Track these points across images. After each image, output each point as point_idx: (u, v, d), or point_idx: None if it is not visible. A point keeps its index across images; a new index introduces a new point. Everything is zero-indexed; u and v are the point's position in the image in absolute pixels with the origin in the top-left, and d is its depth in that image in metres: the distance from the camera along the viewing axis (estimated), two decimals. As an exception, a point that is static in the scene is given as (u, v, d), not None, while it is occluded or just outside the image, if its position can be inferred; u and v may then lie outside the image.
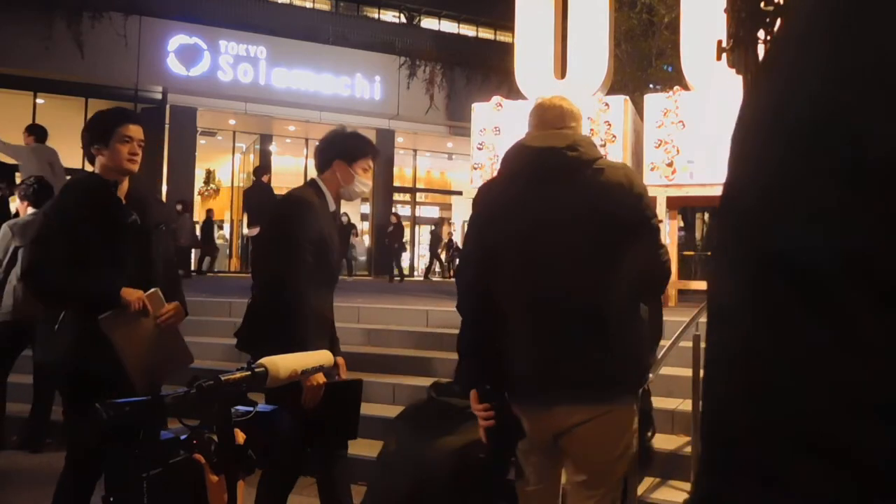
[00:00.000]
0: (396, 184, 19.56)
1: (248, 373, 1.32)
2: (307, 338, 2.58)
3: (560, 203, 2.00)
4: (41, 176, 5.51)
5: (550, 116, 2.14)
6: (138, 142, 2.72)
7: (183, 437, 1.23)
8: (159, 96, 16.01)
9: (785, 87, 0.47)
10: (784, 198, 0.46)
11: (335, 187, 2.87)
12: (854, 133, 0.42)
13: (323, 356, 1.61)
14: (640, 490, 3.34)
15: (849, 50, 0.43)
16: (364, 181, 2.89)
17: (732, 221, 0.49)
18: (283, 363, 1.41)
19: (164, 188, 15.63)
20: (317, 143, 3.02)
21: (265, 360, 1.39)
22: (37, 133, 7.09)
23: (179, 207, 12.66)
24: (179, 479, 1.17)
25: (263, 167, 10.18)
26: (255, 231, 9.54)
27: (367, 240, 18.77)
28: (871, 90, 0.41)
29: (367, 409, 3.16)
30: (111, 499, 1.15)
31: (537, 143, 2.07)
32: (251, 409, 1.33)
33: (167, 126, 15.86)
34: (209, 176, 19.64)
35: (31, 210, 4.81)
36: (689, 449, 3.74)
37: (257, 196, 9.90)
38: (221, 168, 19.86)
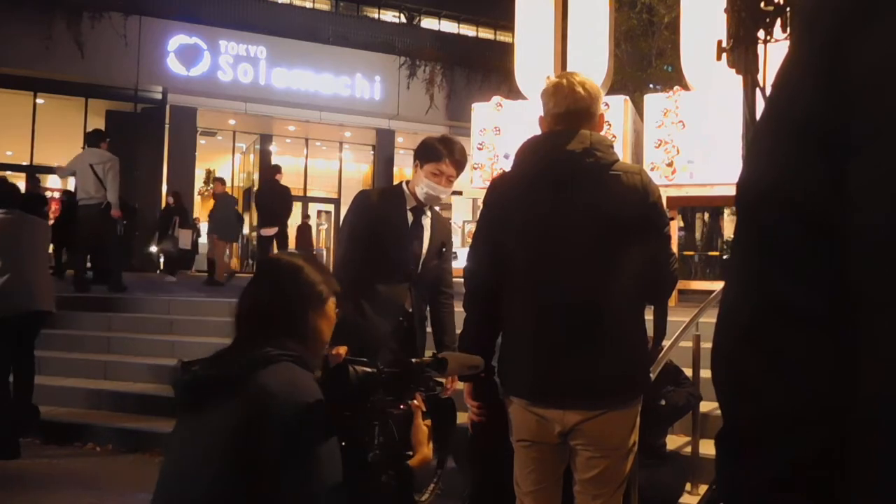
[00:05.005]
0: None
1: (434, 360, 1.66)
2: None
3: (574, 207, 1.98)
4: (2, 177, 5.70)
5: (565, 110, 2.07)
6: None
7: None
8: (159, 96, 15.99)
9: (784, 98, 0.68)
10: (754, 160, 0.70)
11: (414, 187, 2.97)
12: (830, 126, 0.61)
13: (477, 360, 1.90)
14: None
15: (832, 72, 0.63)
16: (431, 184, 2.90)
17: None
18: (456, 358, 1.77)
19: (164, 188, 15.63)
20: None
21: (446, 354, 1.74)
22: None
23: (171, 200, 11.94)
24: (403, 422, 1.51)
25: (275, 166, 10.05)
26: (273, 231, 9.47)
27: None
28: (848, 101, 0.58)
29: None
30: (343, 443, 1.42)
31: (554, 144, 2.03)
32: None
33: (167, 126, 15.85)
34: (209, 176, 19.63)
35: None
36: (689, 449, 3.74)
37: (269, 196, 9.76)
38: (221, 168, 19.85)
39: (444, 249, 3.04)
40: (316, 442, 1.36)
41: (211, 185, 16.46)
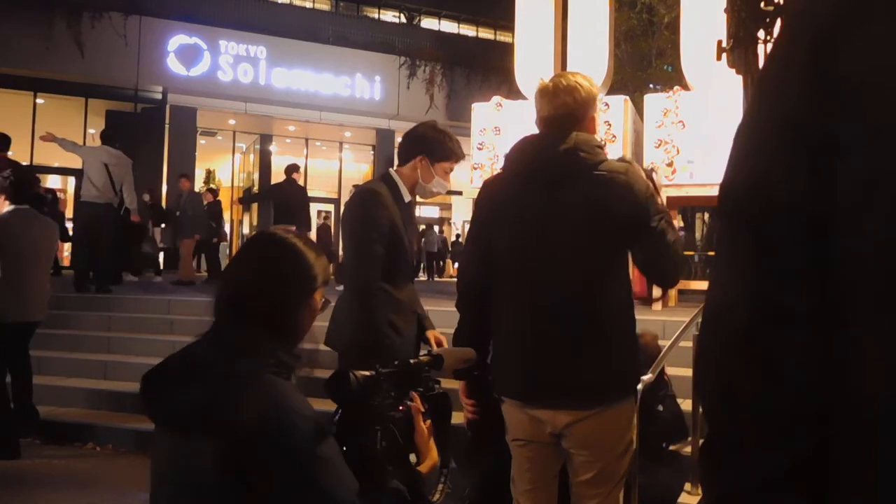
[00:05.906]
0: (396, 184, 19.52)
1: (430, 358, 1.61)
2: (379, 325, 2.63)
3: (561, 206, 2.00)
4: (18, 170, 5.63)
5: (549, 115, 2.09)
6: None
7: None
8: (159, 96, 15.99)
9: (769, 99, 0.66)
10: (741, 161, 0.68)
11: (412, 182, 2.81)
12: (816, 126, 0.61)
13: (470, 352, 1.86)
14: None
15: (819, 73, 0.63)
16: (444, 183, 2.85)
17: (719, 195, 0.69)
18: (451, 353, 1.74)
19: (164, 188, 15.64)
20: (405, 132, 2.92)
21: (441, 350, 1.74)
22: None
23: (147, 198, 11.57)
24: (404, 424, 1.45)
25: (293, 165, 9.87)
26: (290, 230, 9.35)
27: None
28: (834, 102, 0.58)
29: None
30: (345, 448, 1.34)
31: (540, 146, 2.06)
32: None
33: (167, 126, 15.85)
34: (209, 176, 19.63)
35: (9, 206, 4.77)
36: (689, 449, 3.74)
37: (288, 195, 9.54)
38: (221, 168, 19.85)
39: (423, 238, 3.03)
40: (318, 459, 1.26)
41: (212, 186, 16.48)
